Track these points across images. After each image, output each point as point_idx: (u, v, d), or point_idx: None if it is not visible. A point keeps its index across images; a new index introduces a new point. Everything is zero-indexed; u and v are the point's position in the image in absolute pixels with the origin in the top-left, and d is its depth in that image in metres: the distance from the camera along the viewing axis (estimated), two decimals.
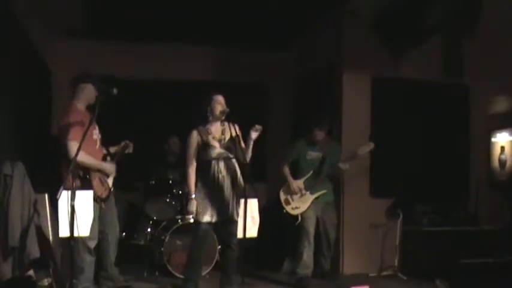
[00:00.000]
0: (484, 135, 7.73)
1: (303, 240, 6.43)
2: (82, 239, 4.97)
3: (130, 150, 5.69)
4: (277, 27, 7.86)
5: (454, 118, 7.67)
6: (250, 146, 5.28)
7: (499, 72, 7.46)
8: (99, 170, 5.25)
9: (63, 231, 4.43)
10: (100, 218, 5.30)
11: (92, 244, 5.20)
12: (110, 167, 5.39)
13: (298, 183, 6.48)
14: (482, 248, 6.79)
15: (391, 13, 6.97)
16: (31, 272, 5.05)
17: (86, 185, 5.05)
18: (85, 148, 4.94)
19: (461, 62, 7.57)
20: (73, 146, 4.87)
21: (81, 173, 5.05)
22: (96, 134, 5.39)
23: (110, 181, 5.43)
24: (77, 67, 8.03)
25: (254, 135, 5.21)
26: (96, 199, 5.14)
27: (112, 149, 5.61)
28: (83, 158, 5.00)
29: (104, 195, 5.27)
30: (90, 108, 5.26)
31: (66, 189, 4.33)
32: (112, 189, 5.45)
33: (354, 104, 7.35)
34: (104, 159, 5.39)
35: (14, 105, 5.97)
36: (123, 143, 5.67)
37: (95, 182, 5.17)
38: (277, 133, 8.93)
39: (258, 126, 5.20)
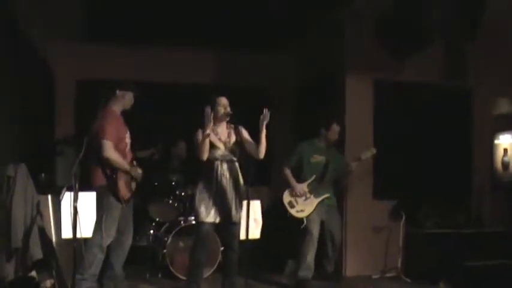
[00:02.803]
0: (486, 137, 7.72)
1: (307, 243, 6.41)
2: (101, 236, 5.06)
3: (156, 156, 5.81)
4: (278, 30, 7.87)
5: (456, 120, 7.66)
6: (263, 140, 5.26)
7: (502, 74, 7.47)
8: (127, 173, 5.30)
9: (66, 233, 4.45)
10: (119, 219, 5.33)
11: (106, 242, 5.22)
12: (136, 172, 5.44)
13: (302, 187, 6.47)
14: (486, 250, 6.78)
15: (393, 16, 6.98)
16: (34, 273, 5.06)
17: (112, 183, 5.15)
18: (117, 149, 5.18)
19: (463, 64, 7.58)
20: (108, 145, 5.09)
21: (108, 171, 5.14)
22: (127, 137, 5.48)
23: (134, 185, 5.48)
24: (79, 70, 8.15)
25: (263, 125, 5.20)
26: (120, 199, 5.18)
27: (140, 153, 5.70)
28: (114, 155, 5.15)
29: (126, 197, 5.31)
30: (123, 112, 5.51)
31: (69, 190, 4.35)
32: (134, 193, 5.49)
33: (356, 107, 7.35)
34: (131, 162, 5.45)
35: (17, 107, 5.99)
36: (151, 149, 5.79)
37: (121, 182, 5.23)
38: (280, 136, 8.92)
39: (264, 113, 5.19)
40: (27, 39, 6.49)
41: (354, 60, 7.32)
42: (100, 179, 5.18)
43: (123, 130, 5.42)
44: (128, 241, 5.60)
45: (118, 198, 5.18)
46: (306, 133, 6.85)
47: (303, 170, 6.58)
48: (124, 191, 5.27)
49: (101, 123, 5.21)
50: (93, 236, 5.15)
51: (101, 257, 5.25)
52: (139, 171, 5.48)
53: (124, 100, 5.48)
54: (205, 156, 5.22)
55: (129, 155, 5.47)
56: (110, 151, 5.09)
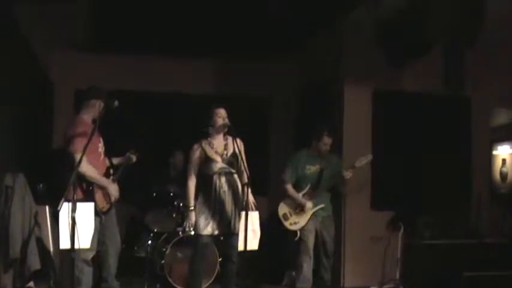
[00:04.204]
0: (485, 148, 7.72)
1: (302, 254, 6.38)
2: (79, 250, 4.97)
3: (133, 161, 5.69)
4: (278, 40, 7.87)
5: (455, 130, 7.67)
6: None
7: (500, 84, 7.48)
8: (102, 188, 5.23)
9: (64, 243, 4.43)
10: (101, 231, 5.28)
11: (89, 255, 5.15)
12: (114, 188, 5.34)
13: (308, 203, 6.40)
14: (484, 260, 6.77)
15: (392, 25, 7.00)
16: (32, 284, 5.05)
17: (89, 196, 5.03)
18: (90, 160, 5.00)
19: (462, 74, 7.58)
20: (79, 157, 4.88)
21: (84, 185, 5.04)
22: (101, 147, 5.39)
23: (112, 197, 5.41)
24: (79, 79, 8.15)
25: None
26: (98, 212, 5.12)
27: (115, 160, 5.61)
28: (90, 171, 5.02)
29: (105, 209, 5.24)
30: (94, 121, 5.27)
31: (68, 200, 4.32)
32: (114, 203, 5.42)
33: (354, 116, 7.36)
34: (108, 171, 5.39)
35: (16, 116, 5.99)
36: (126, 155, 5.68)
37: (98, 194, 5.16)
38: (279, 146, 8.93)
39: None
40: (27, 47, 6.49)
41: (352, 68, 7.34)
42: (76, 192, 5.09)
43: (96, 139, 5.22)
44: (116, 251, 5.54)
45: (96, 211, 5.10)
46: (306, 143, 6.83)
47: (298, 180, 6.52)
48: (102, 203, 5.18)
49: (70, 134, 5.06)
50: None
51: (88, 269, 5.16)
52: (116, 188, 5.34)
53: (94, 109, 5.25)
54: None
55: (104, 165, 5.37)
56: (84, 165, 4.86)
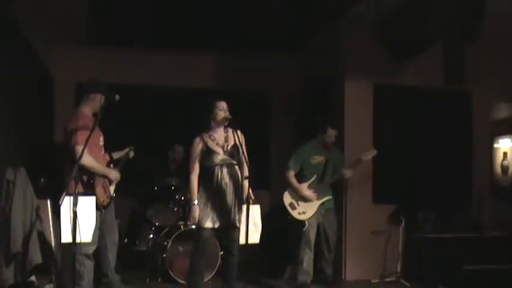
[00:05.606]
0: (486, 141, 7.70)
1: (303, 247, 6.40)
2: (80, 244, 4.97)
3: (131, 155, 5.70)
4: (279, 34, 7.86)
5: (456, 124, 7.65)
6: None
7: (501, 78, 7.46)
8: (104, 176, 5.24)
9: (66, 237, 4.43)
10: (100, 225, 5.28)
11: (90, 250, 5.16)
12: (114, 174, 5.38)
13: (310, 193, 6.42)
14: (485, 254, 6.78)
15: (392, 21, 6.99)
16: (33, 278, 5.05)
17: (90, 190, 5.05)
18: (91, 154, 5.02)
19: (462, 68, 7.57)
20: (80, 150, 4.85)
21: (85, 179, 5.05)
22: (101, 140, 5.40)
23: (112, 188, 5.42)
24: (79, 74, 8.14)
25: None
26: (98, 206, 5.12)
27: (115, 155, 5.61)
28: (91, 162, 5.03)
29: (105, 203, 5.25)
30: (95, 115, 5.28)
31: (69, 194, 4.32)
32: (114, 196, 5.42)
33: (356, 111, 7.35)
34: (108, 166, 5.39)
35: (17, 111, 5.98)
36: (126, 149, 5.69)
37: (98, 188, 5.17)
38: (280, 141, 8.91)
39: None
40: (27, 41, 6.48)
41: (353, 64, 7.33)
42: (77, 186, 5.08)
43: (97, 133, 5.23)
44: (114, 244, 5.57)
45: (96, 205, 5.09)
46: (307, 138, 6.84)
47: (304, 171, 6.56)
48: (102, 197, 5.20)
49: (71, 128, 5.06)
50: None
51: (89, 263, 5.19)
52: (117, 173, 5.39)
53: (94, 102, 5.26)
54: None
55: (104, 159, 5.39)
56: (84, 157, 4.77)
